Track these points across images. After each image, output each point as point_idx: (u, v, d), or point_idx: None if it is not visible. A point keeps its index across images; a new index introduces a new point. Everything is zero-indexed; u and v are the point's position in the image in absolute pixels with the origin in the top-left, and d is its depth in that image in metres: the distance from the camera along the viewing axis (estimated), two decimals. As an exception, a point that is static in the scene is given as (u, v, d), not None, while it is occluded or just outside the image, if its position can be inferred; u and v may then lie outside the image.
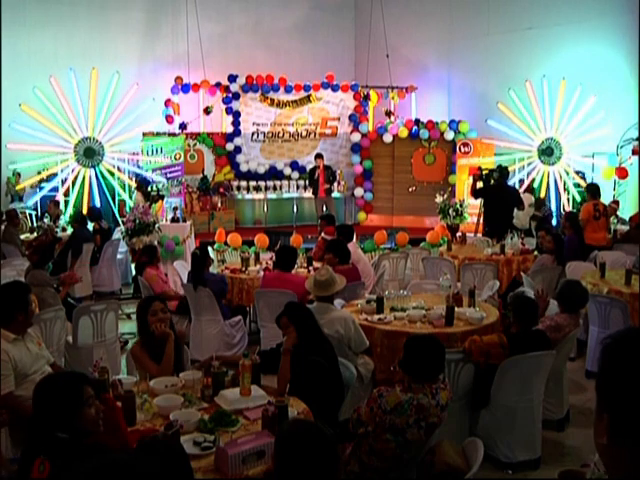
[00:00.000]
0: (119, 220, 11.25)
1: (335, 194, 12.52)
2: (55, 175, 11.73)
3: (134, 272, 8.63)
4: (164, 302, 4.15)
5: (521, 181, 12.52)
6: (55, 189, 11.69)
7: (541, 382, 4.24)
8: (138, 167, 11.78)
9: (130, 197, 11.56)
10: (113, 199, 12.03)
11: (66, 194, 11.70)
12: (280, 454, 2.31)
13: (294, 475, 2.25)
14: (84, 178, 11.85)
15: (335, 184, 12.41)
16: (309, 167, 12.85)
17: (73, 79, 11.74)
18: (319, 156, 12.18)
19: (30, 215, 10.64)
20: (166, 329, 3.90)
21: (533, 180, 12.55)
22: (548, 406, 4.53)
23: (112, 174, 12.01)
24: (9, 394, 3.56)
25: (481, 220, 9.93)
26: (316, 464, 2.24)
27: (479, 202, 9.95)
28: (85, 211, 10.41)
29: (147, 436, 2.60)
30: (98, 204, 11.55)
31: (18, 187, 11.45)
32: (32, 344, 3.86)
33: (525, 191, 11.38)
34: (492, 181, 9.35)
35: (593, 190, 8.86)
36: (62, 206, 11.24)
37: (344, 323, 4.56)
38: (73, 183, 11.75)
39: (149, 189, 10.16)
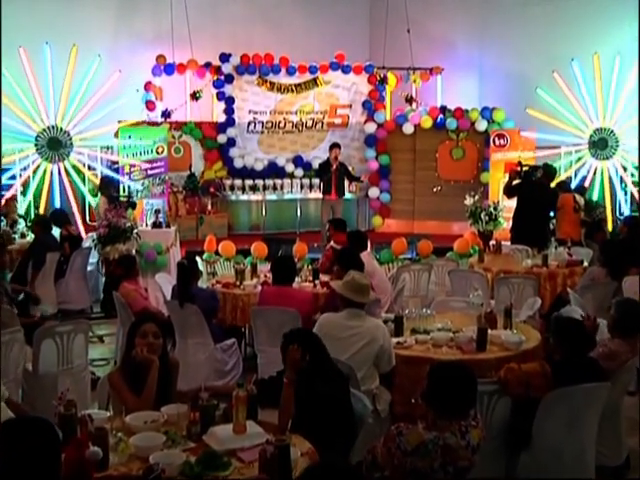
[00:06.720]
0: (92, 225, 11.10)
1: (347, 195, 12.28)
2: (11, 167, 11.45)
3: (107, 287, 8.63)
4: (160, 325, 4.12)
5: (569, 180, 12.48)
6: (9, 185, 11.39)
7: (593, 420, 4.20)
8: (110, 165, 11.64)
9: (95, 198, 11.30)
10: (77, 201, 11.73)
11: (24, 192, 11.46)
12: None
13: None
14: (45, 173, 11.51)
15: (347, 185, 12.02)
16: (315, 163, 12.83)
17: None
18: (336, 146, 11.58)
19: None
20: (150, 355, 3.89)
21: (584, 178, 12.51)
22: (602, 450, 4.48)
23: (79, 171, 11.76)
24: None
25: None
26: None
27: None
28: (48, 213, 10.27)
29: None
30: (58, 205, 11.26)
31: None
32: None
33: (575, 192, 11.33)
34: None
35: (566, 185, 10.74)
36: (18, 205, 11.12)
37: (383, 333, 4.63)
38: (39, 180, 11.51)
39: (115, 193, 10.10)
